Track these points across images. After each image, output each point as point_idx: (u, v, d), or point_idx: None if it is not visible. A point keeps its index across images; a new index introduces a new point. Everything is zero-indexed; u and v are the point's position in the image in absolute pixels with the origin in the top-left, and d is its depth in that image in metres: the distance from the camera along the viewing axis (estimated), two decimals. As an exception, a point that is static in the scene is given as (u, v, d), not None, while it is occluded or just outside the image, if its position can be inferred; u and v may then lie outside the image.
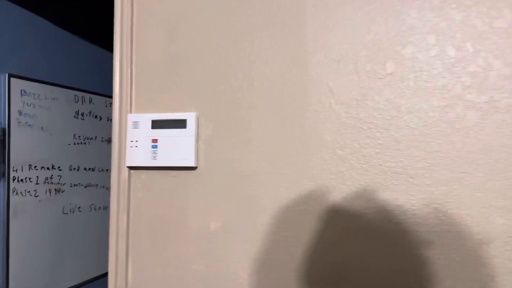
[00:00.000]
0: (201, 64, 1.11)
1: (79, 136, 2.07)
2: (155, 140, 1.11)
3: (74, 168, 2.03)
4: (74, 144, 2.03)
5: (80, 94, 2.08)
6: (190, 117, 1.09)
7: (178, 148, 1.09)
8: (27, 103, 1.78)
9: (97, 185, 2.16)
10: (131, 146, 1.13)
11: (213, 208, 1.08)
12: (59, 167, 1.94)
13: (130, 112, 1.16)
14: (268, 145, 1.04)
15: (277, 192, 1.03)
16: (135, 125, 1.13)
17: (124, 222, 1.14)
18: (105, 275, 2.13)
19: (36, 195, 1.85)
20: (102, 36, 2.22)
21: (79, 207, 2.07)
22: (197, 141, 1.10)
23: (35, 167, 1.86)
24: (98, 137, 2.17)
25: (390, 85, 0.97)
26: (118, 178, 1.15)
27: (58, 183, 1.93)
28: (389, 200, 0.96)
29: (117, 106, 1.16)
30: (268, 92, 1.05)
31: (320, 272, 1.00)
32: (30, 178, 1.81)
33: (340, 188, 0.98)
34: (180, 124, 1.10)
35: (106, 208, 2.21)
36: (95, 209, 2.16)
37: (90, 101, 2.15)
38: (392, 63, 0.97)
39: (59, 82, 1.94)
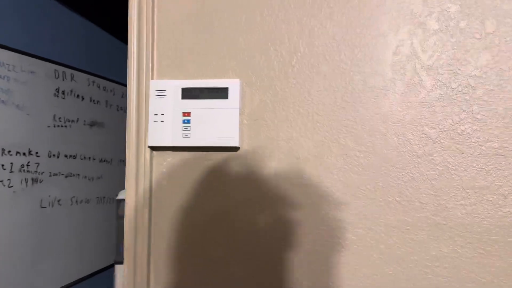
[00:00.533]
0: (246, 19, 0.89)
1: (60, 118, 1.78)
2: (187, 114, 0.88)
3: (54, 155, 1.74)
4: (54, 126, 1.75)
5: (60, 69, 1.79)
6: (233, 85, 0.87)
7: (216, 123, 0.87)
8: (0, 76, 1.49)
9: (78, 175, 1.88)
10: (155, 121, 0.89)
11: (261, 201, 0.87)
12: (36, 153, 1.65)
13: (152, 78, 0.92)
14: (333, 120, 0.84)
15: (348, 179, 0.83)
16: (160, 94, 0.90)
17: (145, 218, 0.90)
18: (89, 277, 1.86)
19: (10, 185, 1.56)
20: (90, 8, 1.94)
21: (59, 200, 1.79)
22: (240, 115, 0.88)
23: (9, 152, 1.57)
24: (80, 119, 1.89)
25: (490, 47, 0.79)
26: (136, 161, 0.91)
27: (36, 171, 1.64)
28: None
29: (134, 69, 0.91)
30: (330, 55, 0.85)
31: (403, 277, 0.81)
32: (3, 165, 1.52)
33: (430, 175, 0.80)
34: (220, 93, 0.87)
35: (89, 201, 1.94)
36: (76, 202, 1.88)
37: (72, 78, 1.86)
38: (493, 21, 0.79)
39: (38, 54, 1.65)
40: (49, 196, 1.71)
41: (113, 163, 2.11)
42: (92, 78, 1.99)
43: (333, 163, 0.84)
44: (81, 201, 1.90)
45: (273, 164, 0.86)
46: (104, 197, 2.07)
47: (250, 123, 0.88)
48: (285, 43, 0.87)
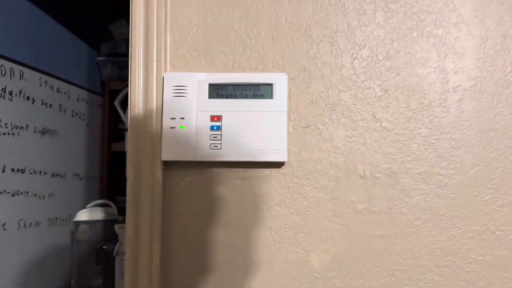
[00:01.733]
0: (295, -4, 0.69)
1: (6, 124, 1.46)
2: (216, 118, 0.66)
3: (-2, 169, 1.41)
4: (-1, 134, 1.42)
5: (7, 64, 1.47)
6: (279, 80, 0.67)
7: (257, 131, 0.66)
8: None
9: (27, 192, 1.55)
10: (172, 127, 0.66)
11: (317, 233, 0.67)
12: (-25, 167, 1.32)
13: (165, 70, 0.69)
14: (408, 128, 0.66)
15: (429, 204, 0.66)
16: (179, 91, 0.67)
17: (154, 258, 0.66)
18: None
19: None
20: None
21: (3, 224, 1.45)
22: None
23: None
24: (31, 126, 1.57)
25: None
26: (141, 182, 0.67)
27: (-26, 190, 1.31)
28: None
29: (139, 56, 0.68)
30: (404, 50, 0.67)
31: None
32: None
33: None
34: (263, 91, 0.67)
35: (39, 224, 1.61)
36: (24, 226, 1.55)
37: (21, 76, 1.55)
38: None
39: (-22, 43, 1.33)
40: (-9, 220, 1.38)
41: (67, 178, 1.81)
42: (44, 77, 1.68)
43: (410, 183, 0.66)
44: (30, 224, 1.58)
45: (330, 184, 0.67)
46: (56, 218, 1.75)
47: (298, 131, 0.68)
48: (345, 30, 0.68)
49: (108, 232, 1.63)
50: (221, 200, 0.67)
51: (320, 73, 0.68)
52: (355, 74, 0.68)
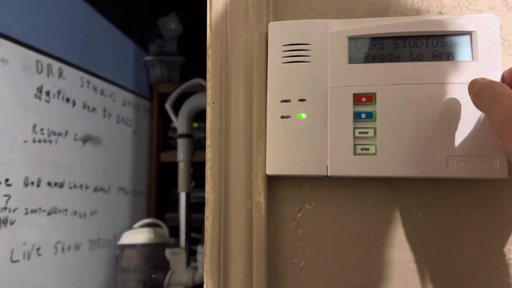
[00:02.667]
0: None
1: (42, 130, 1.24)
2: (366, 98, 0.36)
3: (32, 183, 1.19)
4: (33, 141, 1.20)
5: (45, 59, 1.26)
6: (484, 27, 0.36)
7: (447, 120, 0.35)
8: None
9: (66, 210, 1.32)
10: (284, 117, 0.37)
11: None
12: (6, 180, 1.10)
13: (268, 17, 0.40)
14: None
15: None
16: (297, 54, 0.38)
17: None
18: None
19: (-39, 231, 1.01)
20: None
21: (38, 249, 1.22)
22: None
23: (-39, 180, 1.02)
24: (70, 133, 1.35)
25: None
26: (229, 211, 0.38)
27: (4, 208, 1.09)
28: None
29: None
30: None
31: None
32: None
33: None
34: (453, 47, 0.36)
35: (79, 247, 1.37)
36: (62, 249, 1.32)
37: (60, 74, 1.33)
38: None
39: (11, 34, 1.12)
40: (24, 243, 1.16)
41: (111, 193, 1.58)
42: (87, 77, 1.46)
43: None
44: (69, 248, 1.34)
45: None
46: (99, 240, 1.51)
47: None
48: None
49: (158, 258, 1.37)
50: (387, 238, 0.37)
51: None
52: None
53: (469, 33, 0.35)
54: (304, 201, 0.38)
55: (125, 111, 1.69)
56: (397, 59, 0.36)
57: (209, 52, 0.40)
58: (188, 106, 1.42)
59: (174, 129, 1.67)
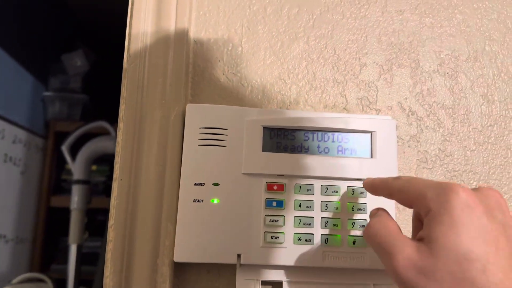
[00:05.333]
0: None
1: None
2: (277, 187, 0.38)
3: None
4: None
5: None
6: (382, 126, 0.40)
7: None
8: None
9: None
10: (196, 200, 0.37)
11: None
12: None
13: (187, 99, 0.40)
14: None
15: None
16: (213, 138, 0.38)
17: None
18: None
19: None
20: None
21: None
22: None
23: None
24: None
25: None
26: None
27: None
28: None
29: (140, 73, 0.39)
30: None
31: None
32: None
33: None
34: (354, 143, 0.39)
35: None
36: None
37: None
38: None
39: None
40: None
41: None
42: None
43: None
44: None
45: None
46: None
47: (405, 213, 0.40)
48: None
49: (38, 321, 1.21)
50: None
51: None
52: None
53: (370, 132, 0.39)
54: (212, 287, 0.37)
55: (14, 149, 1.52)
56: (307, 151, 0.38)
57: (120, 125, 0.39)
58: (88, 150, 1.32)
59: (69, 171, 1.54)
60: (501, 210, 0.25)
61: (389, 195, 0.29)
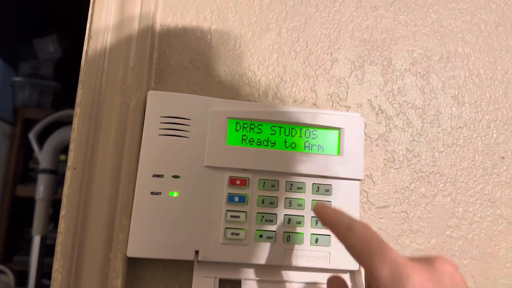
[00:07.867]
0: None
1: None
2: (240, 182, 0.36)
3: None
4: None
5: None
6: (350, 123, 0.39)
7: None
8: None
9: None
10: (154, 193, 0.35)
11: None
12: None
13: (149, 86, 0.38)
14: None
15: None
16: (175, 128, 0.37)
17: None
18: None
19: None
20: None
21: None
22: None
23: None
24: None
25: None
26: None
27: None
28: None
29: (100, 53, 0.37)
30: None
31: None
32: None
33: None
34: (322, 140, 0.38)
35: None
36: None
37: None
38: None
39: None
40: None
41: None
42: None
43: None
44: None
45: None
46: None
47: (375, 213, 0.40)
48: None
49: (-3, 313, 1.16)
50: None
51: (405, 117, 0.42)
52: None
53: (338, 129, 0.38)
54: (168, 284, 0.36)
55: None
56: (273, 145, 0.37)
57: (77, 110, 0.37)
58: (56, 139, 1.28)
59: (37, 160, 1.49)
60: None
61: (338, 238, 0.26)
